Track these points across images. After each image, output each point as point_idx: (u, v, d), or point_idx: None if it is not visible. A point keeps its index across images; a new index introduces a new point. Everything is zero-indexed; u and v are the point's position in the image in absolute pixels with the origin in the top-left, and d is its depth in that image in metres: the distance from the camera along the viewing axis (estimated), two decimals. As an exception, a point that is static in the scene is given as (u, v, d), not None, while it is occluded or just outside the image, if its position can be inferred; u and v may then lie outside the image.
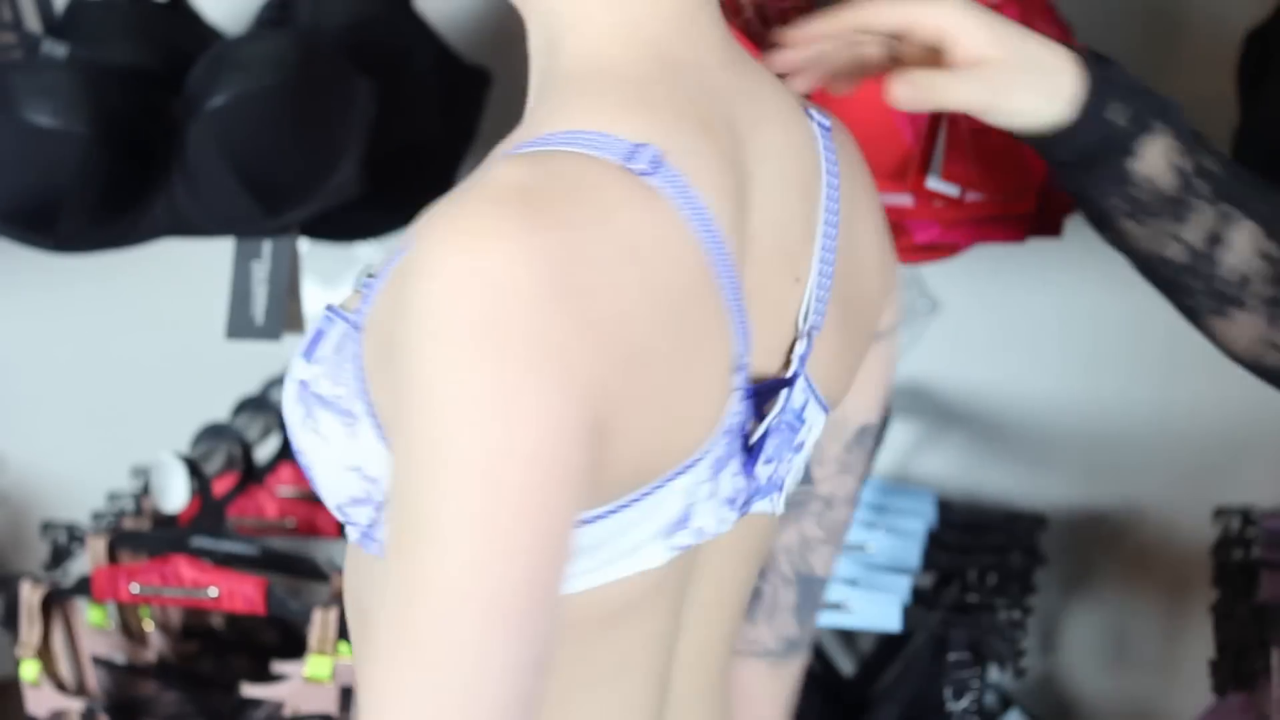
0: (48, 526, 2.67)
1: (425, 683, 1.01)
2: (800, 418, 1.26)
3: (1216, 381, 2.73)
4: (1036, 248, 2.26)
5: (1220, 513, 2.52)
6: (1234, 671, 2.28)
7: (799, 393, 1.25)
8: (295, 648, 2.25)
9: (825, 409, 1.29)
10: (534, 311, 1.03)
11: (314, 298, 2.67)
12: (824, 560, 1.50)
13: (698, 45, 1.20)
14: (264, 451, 2.58)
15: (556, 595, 1.04)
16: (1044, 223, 2.12)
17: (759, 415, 1.22)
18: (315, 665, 2.14)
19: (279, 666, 2.19)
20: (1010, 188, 1.97)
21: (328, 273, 2.77)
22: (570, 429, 1.04)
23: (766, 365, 1.23)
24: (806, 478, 1.44)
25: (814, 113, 1.29)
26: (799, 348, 1.25)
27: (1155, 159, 1.40)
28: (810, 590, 1.47)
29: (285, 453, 2.57)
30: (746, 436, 1.21)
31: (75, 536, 2.63)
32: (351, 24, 2.37)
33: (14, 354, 3.05)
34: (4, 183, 2.14)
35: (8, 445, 3.09)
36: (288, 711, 2.17)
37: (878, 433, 1.46)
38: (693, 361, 1.13)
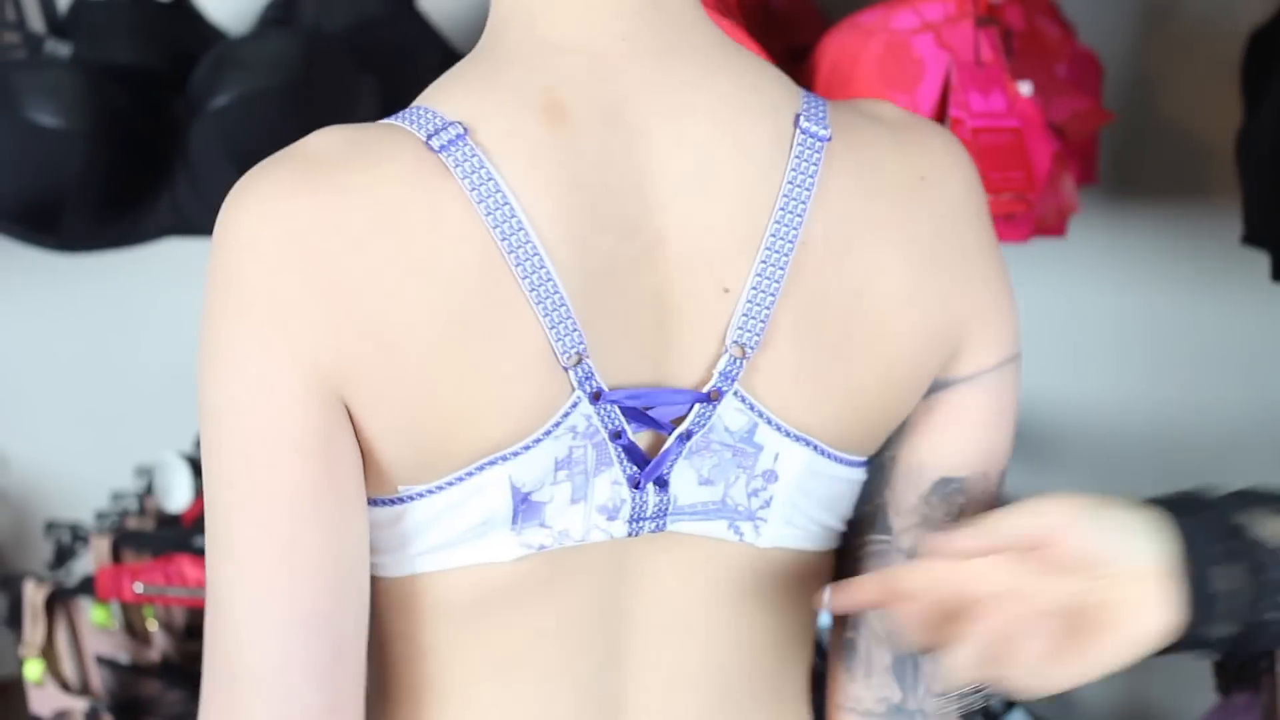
0: (51, 526, 2.67)
1: (212, 623, 1.15)
2: (751, 442, 1.20)
3: (1223, 381, 2.73)
4: (1041, 247, 2.26)
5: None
6: (1238, 672, 2.28)
7: (734, 413, 1.19)
8: (299, 647, 2.25)
9: (805, 441, 1.21)
10: (267, 273, 1.12)
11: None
12: None
13: (601, 31, 1.18)
14: (267, 451, 2.58)
15: (316, 553, 1.13)
16: (1048, 222, 2.12)
17: (667, 428, 1.18)
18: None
19: (282, 666, 2.19)
20: (1014, 187, 1.97)
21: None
22: (289, 387, 1.12)
23: (677, 376, 1.18)
24: (885, 526, 1.30)
25: (806, 118, 1.20)
26: (721, 363, 1.18)
27: None
28: (908, 653, 1.31)
29: (289, 452, 2.56)
30: (632, 446, 1.18)
31: (79, 536, 2.62)
32: (355, 24, 2.37)
33: (18, 353, 3.05)
34: (8, 182, 2.14)
35: (11, 445, 3.09)
36: (291, 711, 2.17)
37: (979, 491, 1.28)
38: (483, 349, 1.13)
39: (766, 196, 1.18)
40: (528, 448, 1.15)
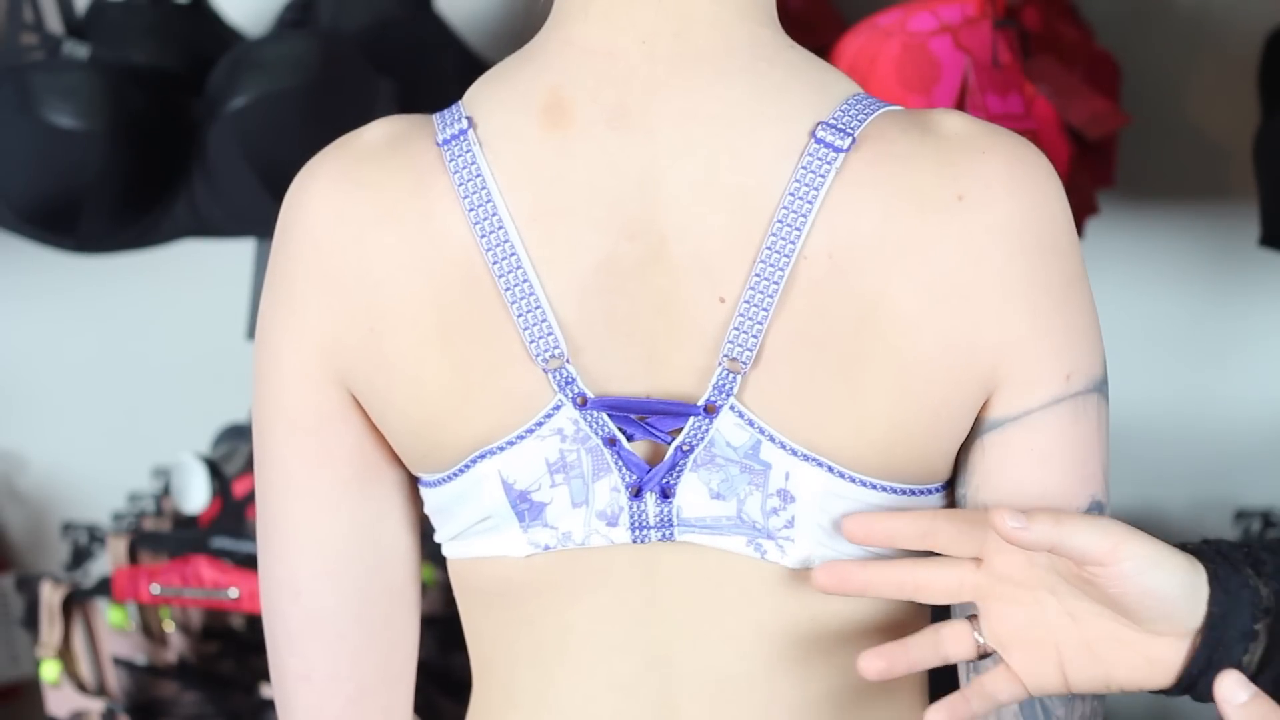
0: (68, 527, 2.67)
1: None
2: (757, 459, 1.16)
3: (1238, 383, 2.73)
4: (1057, 249, 2.25)
5: (1241, 515, 2.52)
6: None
7: (734, 428, 1.15)
8: (315, 648, 2.25)
9: (817, 462, 1.16)
10: (291, 255, 1.19)
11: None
12: None
13: (621, 30, 1.16)
14: (284, 452, 2.58)
15: (307, 524, 1.22)
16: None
17: (667, 438, 1.17)
18: (335, 666, 2.13)
19: (299, 667, 2.19)
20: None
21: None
22: (293, 364, 1.20)
23: (676, 385, 1.16)
24: None
25: (827, 127, 1.14)
26: (715, 376, 1.14)
27: None
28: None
29: (305, 453, 2.56)
30: (630, 454, 1.17)
31: (96, 537, 2.63)
32: (372, 25, 2.37)
33: (35, 355, 3.05)
34: (25, 183, 2.15)
35: (29, 446, 3.09)
36: (308, 712, 2.16)
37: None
38: (464, 344, 1.15)
39: (767, 206, 1.13)
40: (511, 443, 1.16)
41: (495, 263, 1.14)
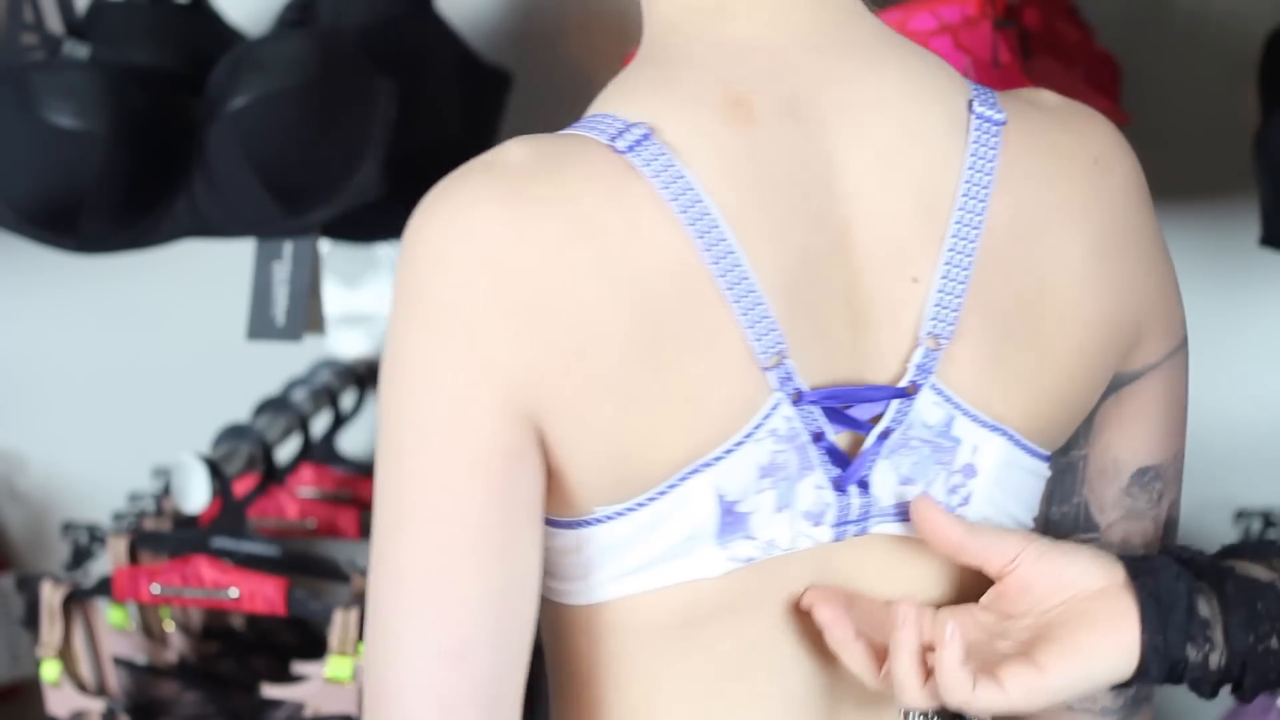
0: (69, 527, 2.67)
1: (369, 646, 1.12)
2: (949, 435, 1.17)
3: (1239, 382, 2.73)
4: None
5: (1241, 515, 2.52)
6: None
7: (931, 406, 1.16)
8: (316, 649, 2.25)
9: (1001, 431, 1.18)
10: (458, 286, 1.10)
11: (335, 298, 2.67)
12: None
13: (772, 27, 1.17)
14: (285, 452, 2.58)
15: (479, 582, 1.10)
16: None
17: (865, 426, 1.16)
18: (336, 666, 2.14)
19: (300, 667, 2.19)
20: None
21: (349, 273, 2.77)
22: (476, 404, 1.09)
23: (870, 371, 1.17)
24: (1090, 524, 1.28)
25: (980, 103, 1.19)
26: (916, 355, 1.16)
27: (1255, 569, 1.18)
28: None
29: (306, 454, 2.57)
30: (833, 447, 1.16)
31: (96, 537, 2.62)
32: (372, 25, 2.37)
33: (35, 354, 3.05)
34: (25, 183, 2.15)
35: (29, 446, 3.09)
36: (308, 712, 2.17)
37: (1172, 475, 1.30)
38: (679, 352, 1.12)
39: (947, 183, 1.17)
40: (730, 451, 1.13)
41: (714, 263, 1.11)
